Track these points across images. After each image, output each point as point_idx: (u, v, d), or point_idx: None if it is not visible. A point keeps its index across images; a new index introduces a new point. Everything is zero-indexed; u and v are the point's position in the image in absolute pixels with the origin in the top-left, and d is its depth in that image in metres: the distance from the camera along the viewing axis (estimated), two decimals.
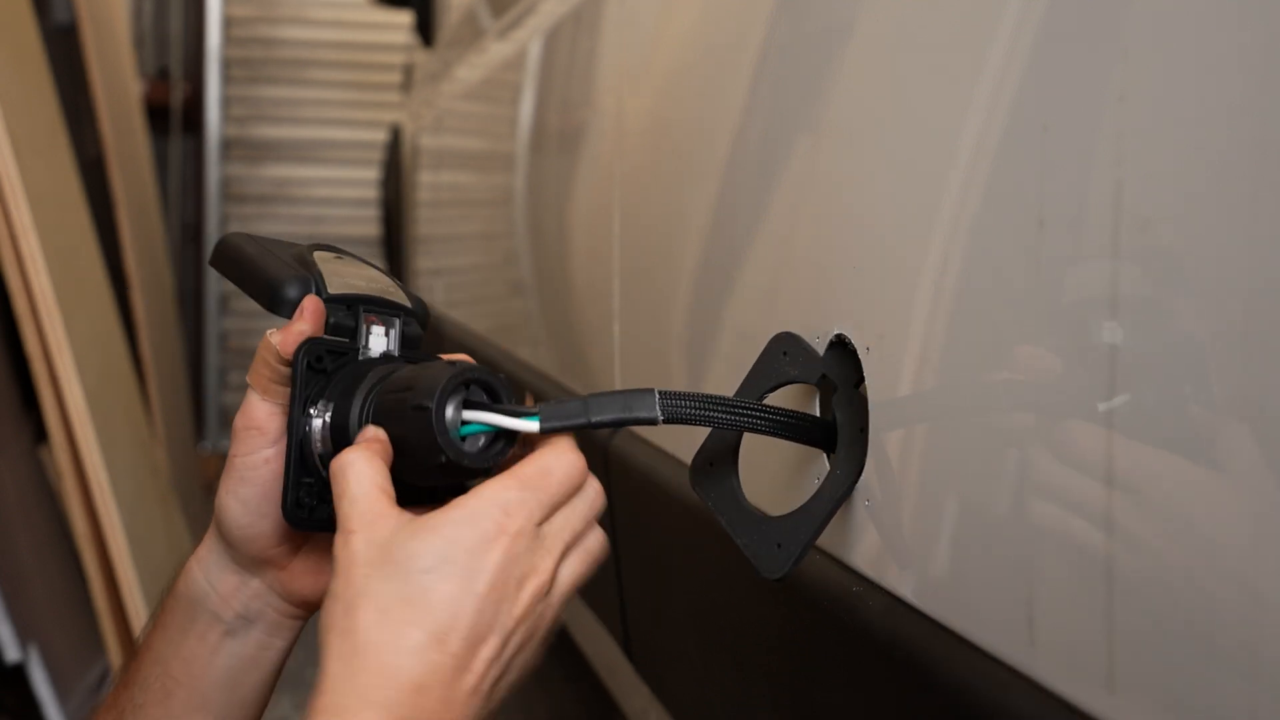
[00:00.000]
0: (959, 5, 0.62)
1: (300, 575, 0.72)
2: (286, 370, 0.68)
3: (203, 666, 0.72)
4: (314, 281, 0.70)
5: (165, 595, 0.74)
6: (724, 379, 0.91)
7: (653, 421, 0.63)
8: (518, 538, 0.61)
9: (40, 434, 1.80)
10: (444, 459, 0.62)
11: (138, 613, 1.55)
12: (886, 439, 0.66)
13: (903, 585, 0.65)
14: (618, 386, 1.20)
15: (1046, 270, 0.54)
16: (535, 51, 1.61)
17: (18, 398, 1.85)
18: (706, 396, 0.66)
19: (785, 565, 0.66)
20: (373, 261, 0.77)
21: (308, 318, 0.68)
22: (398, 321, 0.71)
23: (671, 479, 0.97)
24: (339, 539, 0.61)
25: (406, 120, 3.20)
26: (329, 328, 0.69)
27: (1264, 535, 0.43)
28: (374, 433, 0.65)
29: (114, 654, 1.56)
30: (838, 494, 0.68)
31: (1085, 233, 0.51)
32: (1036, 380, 0.54)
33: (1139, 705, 0.48)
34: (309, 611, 0.73)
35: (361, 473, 0.62)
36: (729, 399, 0.67)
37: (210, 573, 0.72)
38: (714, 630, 0.94)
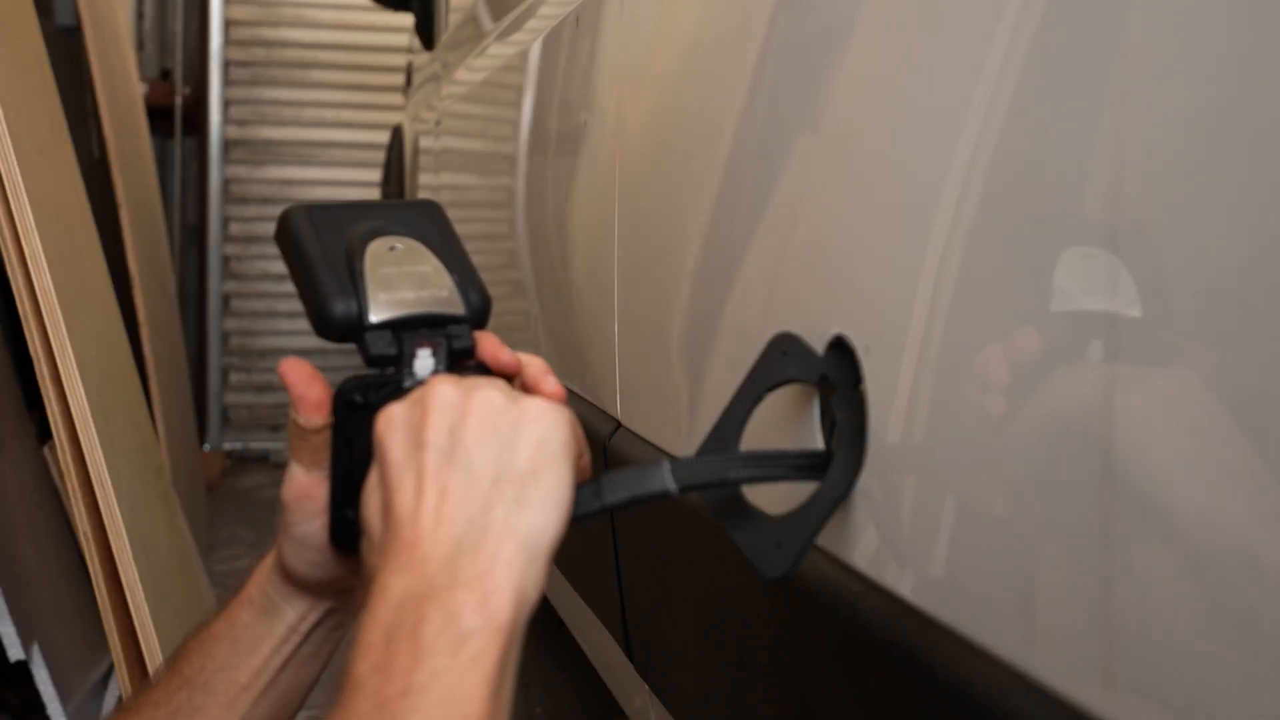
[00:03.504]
0: (958, 5, 0.63)
1: None
2: (323, 440, 0.68)
3: (274, 671, 0.74)
4: (356, 305, 0.66)
5: (229, 607, 0.75)
6: (724, 379, 0.91)
7: (666, 494, 0.64)
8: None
9: (44, 433, 1.80)
10: None
11: (141, 612, 1.55)
12: (886, 438, 0.67)
13: (902, 584, 0.65)
14: (617, 386, 1.20)
15: (1046, 269, 0.54)
16: (535, 54, 1.62)
17: (21, 397, 1.85)
18: (720, 459, 0.66)
19: (785, 565, 0.66)
20: (439, 236, 0.71)
21: (305, 392, 0.68)
22: (445, 341, 0.68)
23: None
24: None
25: (407, 122, 3.20)
26: (371, 359, 0.67)
27: (1262, 535, 0.43)
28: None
29: (117, 653, 1.56)
30: (837, 493, 0.68)
31: (1084, 232, 0.52)
32: (1035, 379, 0.55)
33: (1138, 703, 0.49)
34: None
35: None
36: (743, 455, 0.67)
37: (286, 596, 0.73)
38: (714, 630, 0.94)
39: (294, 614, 0.73)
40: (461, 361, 0.68)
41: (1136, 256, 0.49)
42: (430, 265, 0.70)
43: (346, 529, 0.69)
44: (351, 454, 0.67)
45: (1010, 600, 0.56)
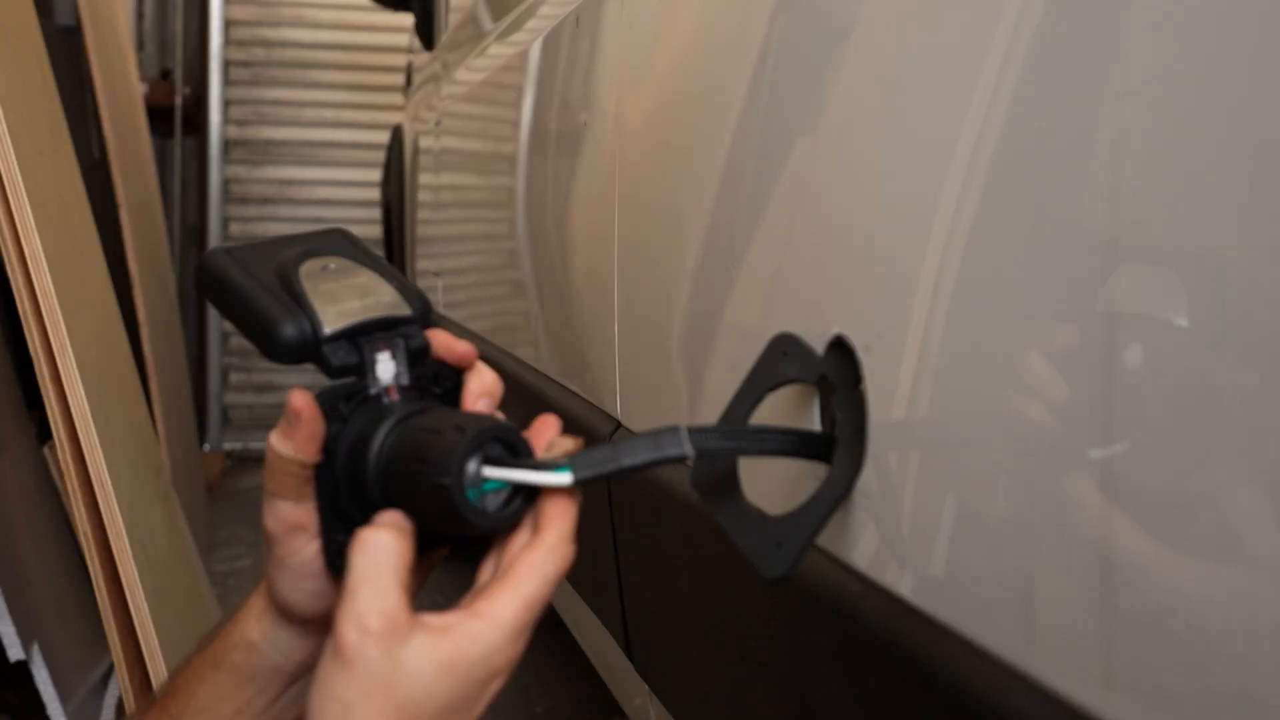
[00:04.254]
0: (958, 5, 0.63)
1: None
2: (305, 472, 0.66)
3: (259, 711, 0.72)
4: (308, 321, 0.66)
5: (214, 645, 0.72)
6: (724, 379, 0.91)
7: (682, 458, 0.64)
8: (515, 659, 0.61)
9: (44, 433, 1.80)
10: (469, 528, 0.61)
11: (141, 612, 1.55)
12: (886, 437, 0.67)
13: (902, 584, 0.65)
14: (617, 386, 1.20)
15: (1045, 269, 0.54)
16: (535, 54, 1.62)
17: (21, 397, 1.85)
18: (733, 429, 0.67)
19: (785, 565, 0.66)
20: (361, 253, 0.72)
21: (306, 423, 0.65)
22: (401, 341, 0.68)
23: (671, 477, 0.97)
24: (351, 624, 0.59)
25: (407, 122, 3.20)
26: (334, 371, 0.66)
27: (1262, 535, 0.43)
28: (393, 520, 0.63)
29: (117, 653, 1.56)
30: (837, 493, 0.68)
31: (1084, 232, 0.52)
32: (1035, 379, 0.55)
33: (1138, 703, 0.49)
34: None
35: (384, 564, 0.60)
36: (755, 427, 0.68)
37: (272, 637, 0.71)
38: (714, 630, 0.95)
39: (279, 656, 0.71)
40: (420, 360, 0.68)
41: (1136, 256, 0.49)
42: (366, 276, 0.70)
43: (340, 550, 0.67)
44: (334, 473, 0.67)
45: (1010, 600, 0.56)
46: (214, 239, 4.29)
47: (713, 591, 0.93)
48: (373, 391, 0.67)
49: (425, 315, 0.70)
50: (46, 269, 1.49)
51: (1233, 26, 0.45)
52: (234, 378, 4.31)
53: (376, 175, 3.90)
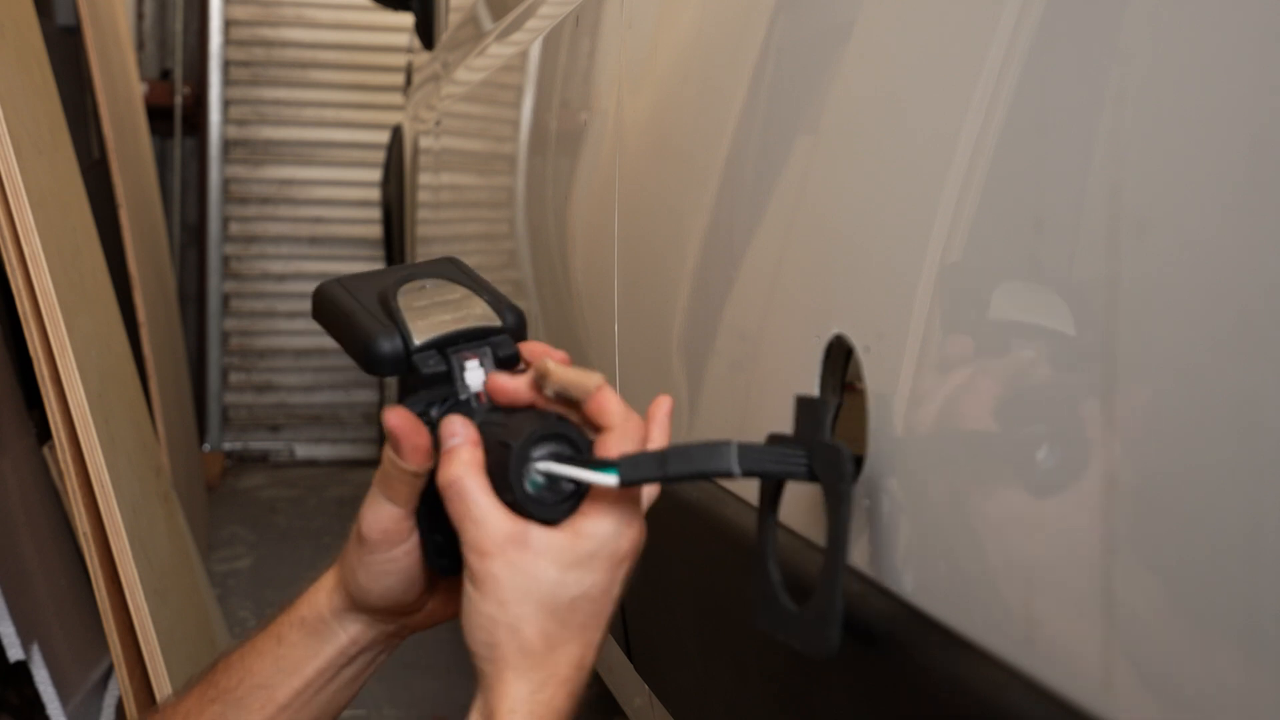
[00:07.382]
0: (957, 6, 0.63)
1: (434, 611, 0.77)
2: (423, 482, 0.70)
3: (315, 690, 0.76)
4: (399, 336, 0.70)
5: (276, 625, 0.76)
6: (724, 379, 0.92)
7: (728, 475, 0.64)
8: (636, 542, 0.68)
9: (44, 433, 1.80)
10: (536, 520, 0.66)
11: (140, 612, 1.55)
12: (886, 439, 0.67)
13: (902, 584, 0.65)
14: (617, 386, 1.20)
15: (1045, 271, 0.54)
16: (535, 54, 1.62)
17: (21, 397, 1.85)
18: (782, 452, 0.67)
19: (833, 642, 0.65)
20: (464, 276, 0.76)
21: (408, 435, 0.69)
22: (489, 350, 0.71)
23: None
24: (470, 554, 0.66)
25: (407, 122, 3.20)
26: (424, 379, 0.70)
27: (1262, 535, 0.43)
28: (462, 456, 0.67)
29: (117, 653, 1.56)
30: (841, 557, 0.66)
31: (1083, 234, 0.52)
32: (1035, 380, 0.55)
33: (1138, 703, 0.49)
34: (425, 628, 0.78)
35: (475, 494, 0.66)
36: (802, 449, 0.67)
37: (344, 622, 0.76)
38: (714, 630, 0.95)
39: (346, 637, 0.75)
40: (511, 368, 0.72)
41: (1136, 257, 0.49)
42: (460, 293, 0.74)
43: (439, 550, 0.72)
44: (430, 476, 0.70)
45: (1010, 600, 0.56)
46: (214, 239, 4.29)
47: (713, 591, 0.93)
48: (462, 397, 0.70)
49: (518, 328, 0.74)
50: (46, 269, 1.49)
51: (1233, 26, 0.45)
52: (234, 378, 4.31)
53: (376, 175, 3.90)
